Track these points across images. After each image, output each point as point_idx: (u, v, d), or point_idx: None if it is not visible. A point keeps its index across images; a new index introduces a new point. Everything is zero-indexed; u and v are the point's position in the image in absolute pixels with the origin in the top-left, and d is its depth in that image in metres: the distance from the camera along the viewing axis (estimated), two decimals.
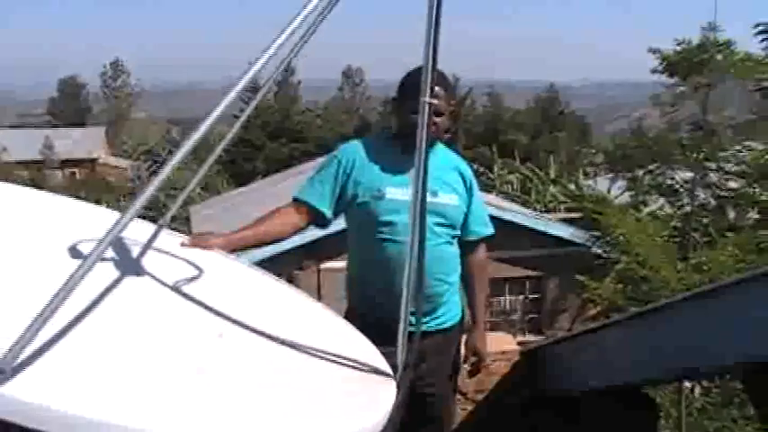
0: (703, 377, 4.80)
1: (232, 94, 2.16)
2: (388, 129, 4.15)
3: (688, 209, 14.60)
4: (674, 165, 14.84)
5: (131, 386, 2.01)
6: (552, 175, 31.78)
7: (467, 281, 4.15)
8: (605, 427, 4.43)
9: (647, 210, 15.61)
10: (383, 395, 2.51)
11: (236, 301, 2.90)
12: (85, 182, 51.36)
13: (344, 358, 2.72)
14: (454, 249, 4.00)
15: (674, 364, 3.62)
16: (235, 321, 2.67)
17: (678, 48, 14.02)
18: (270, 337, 2.66)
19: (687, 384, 12.53)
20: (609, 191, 18.54)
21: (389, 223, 3.79)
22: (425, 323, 3.81)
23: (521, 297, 19.39)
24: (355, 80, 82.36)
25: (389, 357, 2.75)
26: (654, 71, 14.52)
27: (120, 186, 48.23)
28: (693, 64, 13.82)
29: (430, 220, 3.70)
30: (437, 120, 3.76)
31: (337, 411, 2.34)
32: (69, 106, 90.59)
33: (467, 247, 4.08)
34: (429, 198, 3.64)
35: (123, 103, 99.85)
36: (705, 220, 14.66)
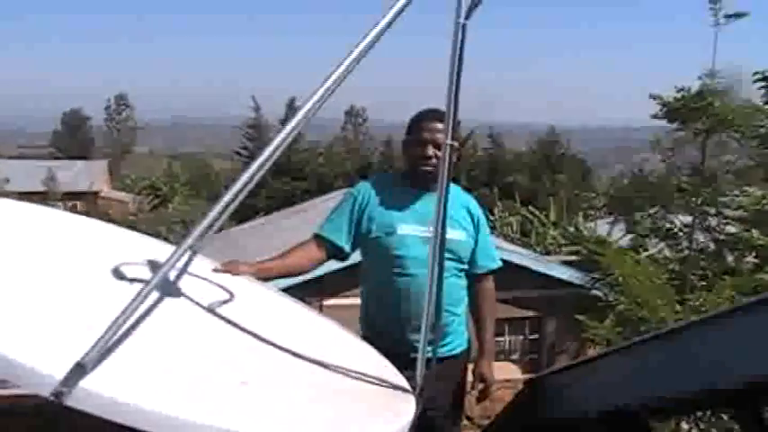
0: (699, 404, 4.95)
1: (288, 129, 2.42)
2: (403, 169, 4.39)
3: (687, 252, 14.80)
4: (674, 209, 15.07)
5: (187, 389, 2.25)
6: (552, 218, 31.94)
7: (475, 312, 4.37)
8: None
9: (646, 253, 15.80)
10: (404, 409, 2.74)
11: (267, 321, 3.13)
12: (87, 214, 51.34)
13: (369, 376, 2.95)
14: (462, 282, 4.22)
15: (670, 390, 3.80)
16: (266, 340, 2.90)
17: (678, 95, 14.30)
18: (299, 355, 2.89)
19: (684, 426, 12.67)
20: (609, 234, 18.73)
21: (401, 257, 4.04)
22: (433, 350, 4.01)
23: (520, 337, 19.53)
24: (358, 120, 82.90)
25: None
26: (654, 116, 14.80)
27: (121, 220, 48.38)
28: (693, 110, 14.10)
29: None
30: (438, 152, 3.91)
31: (364, 422, 2.57)
32: (73, 139, 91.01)
33: (475, 280, 4.30)
34: None
35: (126, 137, 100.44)
36: (703, 264, 14.85)
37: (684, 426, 12.69)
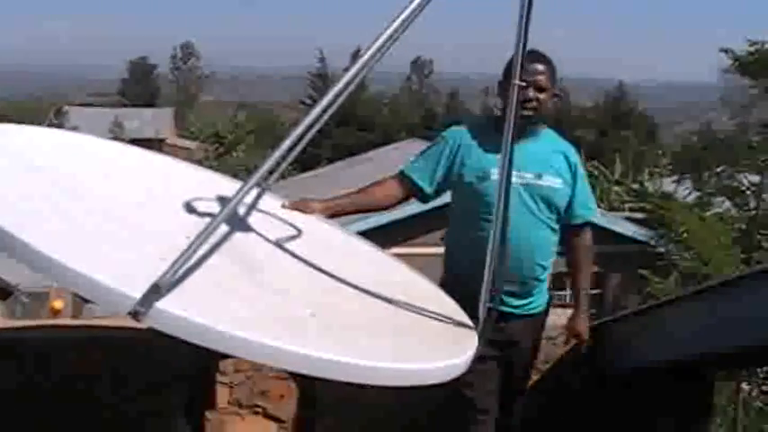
0: (763, 357, 4.90)
1: (347, 77, 2.47)
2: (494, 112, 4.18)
3: (754, 212, 14.59)
4: (742, 168, 14.84)
5: (254, 315, 2.34)
6: (617, 175, 31.56)
7: (571, 264, 4.18)
8: (660, 403, 4.61)
9: (711, 211, 15.61)
10: (465, 346, 2.82)
11: (333, 257, 3.20)
12: None
13: (433, 313, 3.02)
14: (554, 235, 4.00)
15: (735, 339, 3.77)
16: (333, 276, 2.98)
17: (751, 48, 13.95)
18: (365, 290, 2.96)
19: (745, 386, 12.59)
20: (674, 192, 18.53)
21: (492, 204, 3.70)
22: (519, 307, 3.93)
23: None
24: (424, 72, 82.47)
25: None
26: (725, 71, 14.51)
27: None
28: (766, 65, 13.76)
29: (533, 203, 3.82)
30: (540, 96, 3.81)
31: (425, 355, 2.65)
32: (139, 87, 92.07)
33: (572, 231, 4.08)
34: (533, 180, 3.80)
35: (192, 86, 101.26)
36: None
37: (745, 386, 12.62)
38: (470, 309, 3.18)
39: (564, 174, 3.95)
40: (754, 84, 14.40)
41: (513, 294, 3.86)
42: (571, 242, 4.12)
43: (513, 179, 3.64)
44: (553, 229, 3.97)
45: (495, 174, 3.80)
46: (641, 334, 4.55)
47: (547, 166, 3.88)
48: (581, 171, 4.06)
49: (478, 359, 3.75)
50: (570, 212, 4.00)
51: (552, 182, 3.88)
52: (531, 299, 4.00)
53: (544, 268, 4.00)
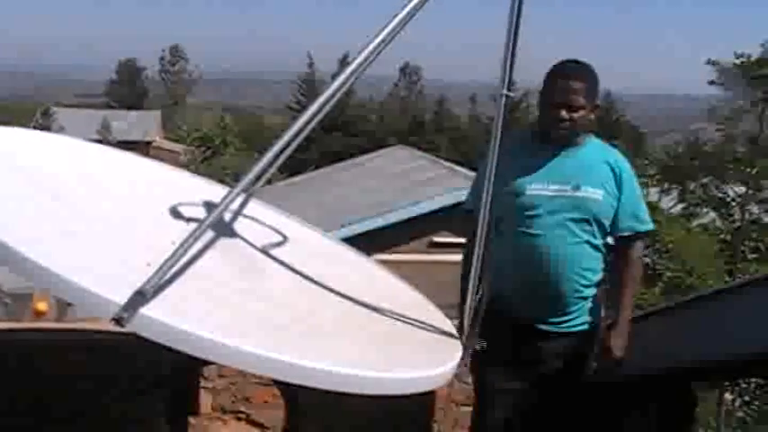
0: (747, 369, 4.89)
1: (336, 84, 2.46)
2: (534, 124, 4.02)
3: (739, 223, 14.65)
4: (728, 179, 14.90)
5: (238, 322, 2.33)
6: None
7: (616, 278, 3.96)
8: (642, 413, 4.61)
9: (696, 222, 15.67)
10: (450, 354, 2.82)
11: (320, 265, 3.20)
12: None
13: (419, 322, 3.02)
14: (594, 249, 3.82)
15: (718, 352, 3.76)
16: (318, 283, 2.97)
17: (737, 61, 14.02)
18: (350, 298, 2.96)
19: (728, 396, 12.64)
20: (659, 202, 18.57)
21: (529, 217, 3.73)
22: (554, 324, 3.81)
23: None
24: (412, 78, 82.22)
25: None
26: (711, 83, 14.59)
27: None
28: (752, 78, 13.82)
29: (567, 215, 3.70)
30: (574, 115, 3.66)
31: (410, 364, 2.64)
32: (127, 89, 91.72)
33: (619, 244, 3.88)
34: (570, 192, 3.68)
35: (180, 88, 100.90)
36: (756, 235, 14.69)
37: (728, 396, 12.67)
38: (510, 327, 3.33)
39: (607, 184, 3.79)
40: (741, 96, 14.50)
41: (546, 312, 3.78)
42: (617, 255, 3.92)
43: (550, 192, 3.71)
44: (592, 243, 3.80)
45: (530, 189, 3.74)
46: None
47: (587, 177, 3.76)
48: (629, 180, 3.88)
49: (503, 385, 3.76)
50: (615, 224, 3.82)
51: (591, 193, 3.74)
52: (568, 317, 3.84)
53: (583, 285, 3.83)
